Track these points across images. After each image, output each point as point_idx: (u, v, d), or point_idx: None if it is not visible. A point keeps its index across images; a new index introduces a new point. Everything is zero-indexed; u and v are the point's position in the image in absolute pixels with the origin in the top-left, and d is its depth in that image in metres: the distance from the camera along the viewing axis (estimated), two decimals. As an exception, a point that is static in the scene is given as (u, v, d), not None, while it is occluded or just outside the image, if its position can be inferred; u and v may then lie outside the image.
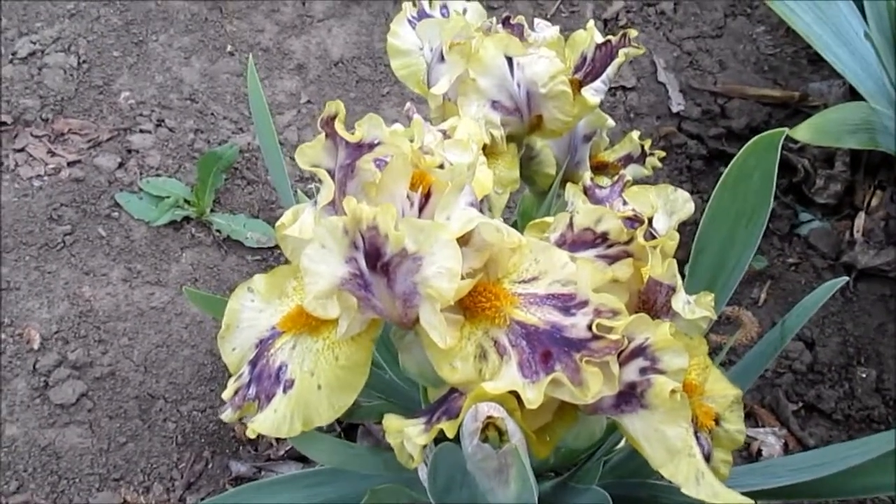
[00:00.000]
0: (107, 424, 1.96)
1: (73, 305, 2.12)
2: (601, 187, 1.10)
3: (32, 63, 2.57)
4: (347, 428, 1.99)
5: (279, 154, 1.59)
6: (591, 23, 1.27)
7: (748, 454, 1.99)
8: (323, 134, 0.85)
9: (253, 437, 0.94)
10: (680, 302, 0.93)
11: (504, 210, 1.31)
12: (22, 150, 2.39)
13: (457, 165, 0.83)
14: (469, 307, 0.90)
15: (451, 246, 0.80)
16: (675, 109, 2.63)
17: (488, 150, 1.22)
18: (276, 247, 2.35)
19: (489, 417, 0.79)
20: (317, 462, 1.70)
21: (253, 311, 1.01)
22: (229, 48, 2.71)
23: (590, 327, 0.82)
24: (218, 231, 2.31)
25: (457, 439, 0.95)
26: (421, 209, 0.90)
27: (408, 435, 0.86)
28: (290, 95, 2.72)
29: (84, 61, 2.60)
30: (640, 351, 0.82)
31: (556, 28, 1.24)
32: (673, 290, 0.95)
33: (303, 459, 1.95)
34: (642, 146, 1.49)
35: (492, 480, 0.91)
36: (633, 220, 0.93)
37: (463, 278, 0.82)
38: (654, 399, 0.81)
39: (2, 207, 2.24)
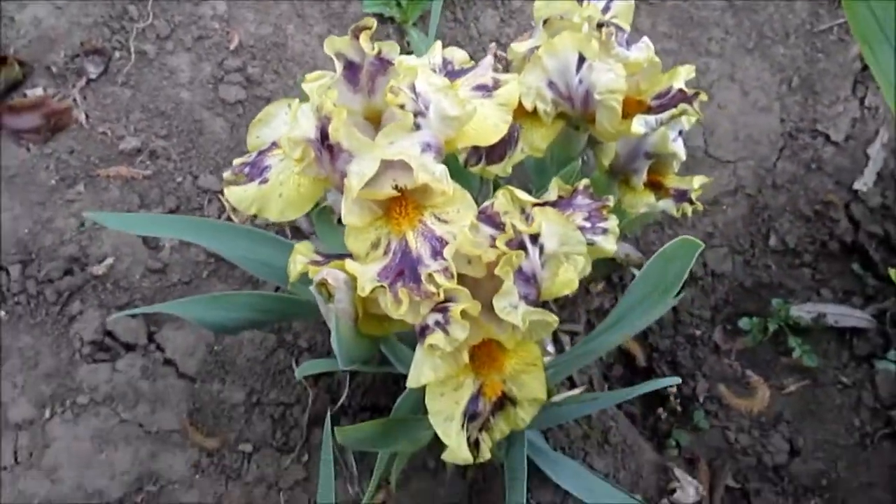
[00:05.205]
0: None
1: (275, 34, 2.56)
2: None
3: None
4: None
5: None
6: (686, 68, 1.35)
7: (660, 488, 2.15)
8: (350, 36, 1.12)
9: (229, 200, 1.30)
10: (503, 301, 1.12)
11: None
12: None
13: (409, 113, 1.07)
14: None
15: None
16: (856, 186, 2.48)
17: (535, 117, 1.39)
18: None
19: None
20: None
21: (283, 123, 1.33)
22: None
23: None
24: (408, 43, 2.61)
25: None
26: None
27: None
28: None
29: None
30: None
31: (650, 54, 1.33)
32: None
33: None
34: (691, 193, 1.57)
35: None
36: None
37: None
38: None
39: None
